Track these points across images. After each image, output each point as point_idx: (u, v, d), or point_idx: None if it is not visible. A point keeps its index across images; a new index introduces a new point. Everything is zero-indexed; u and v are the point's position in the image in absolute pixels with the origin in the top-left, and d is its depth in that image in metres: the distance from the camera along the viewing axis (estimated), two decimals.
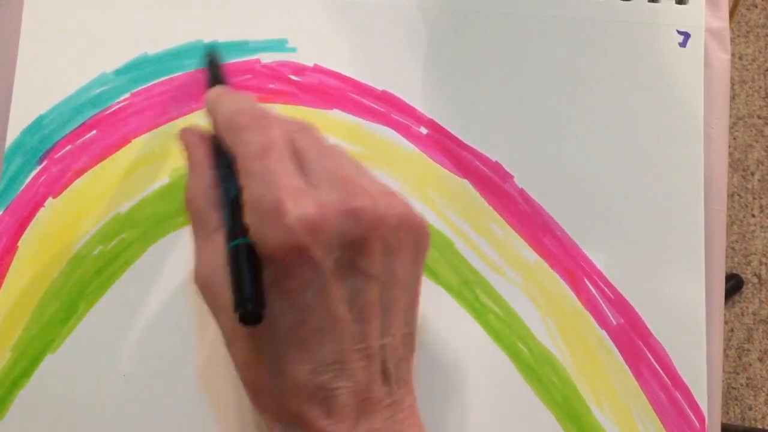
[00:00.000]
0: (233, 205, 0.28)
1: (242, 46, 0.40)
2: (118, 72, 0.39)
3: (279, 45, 0.40)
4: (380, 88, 0.40)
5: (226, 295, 0.27)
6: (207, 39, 0.40)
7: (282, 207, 0.26)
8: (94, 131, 0.38)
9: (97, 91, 0.39)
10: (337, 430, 0.27)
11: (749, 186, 1.26)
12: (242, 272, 0.26)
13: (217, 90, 0.33)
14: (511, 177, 0.39)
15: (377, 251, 0.27)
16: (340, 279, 0.27)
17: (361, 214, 0.27)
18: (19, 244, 0.37)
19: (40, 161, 0.38)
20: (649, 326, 0.38)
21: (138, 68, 0.39)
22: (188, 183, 0.30)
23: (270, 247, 0.26)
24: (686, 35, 0.41)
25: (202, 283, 0.28)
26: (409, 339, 0.30)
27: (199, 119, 0.39)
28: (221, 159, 0.30)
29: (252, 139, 0.28)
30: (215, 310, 0.28)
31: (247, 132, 0.28)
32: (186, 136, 0.32)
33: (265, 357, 0.27)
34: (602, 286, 0.38)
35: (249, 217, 0.27)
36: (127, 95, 0.39)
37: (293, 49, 0.40)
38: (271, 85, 0.39)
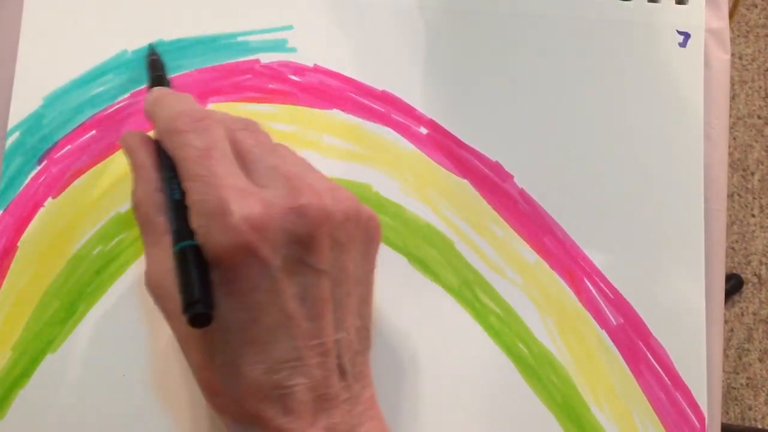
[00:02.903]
0: (178, 208, 0.28)
1: (242, 46, 0.40)
2: (118, 71, 0.39)
3: (279, 45, 0.40)
4: (380, 88, 0.40)
5: (177, 298, 0.27)
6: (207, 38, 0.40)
7: (226, 207, 0.26)
8: (94, 131, 0.38)
9: (97, 90, 0.39)
10: (296, 427, 0.26)
11: (749, 186, 1.26)
12: (189, 274, 0.26)
13: (156, 92, 0.32)
14: (511, 177, 0.39)
15: (325, 247, 0.27)
16: (290, 276, 0.27)
17: (307, 211, 0.27)
18: (18, 244, 0.37)
19: (39, 161, 0.38)
20: (649, 326, 0.38)
21: (137, 68, 0.39)
22: (134, 188, 0.30)
23: (217, 248, 0.26)
24: (686, 35, 0.41)
25: (153, 286, 0.28)
26: (364, 333, 0.30)
27: None
28: (165, 161, 0.30)
29: (192, 142, 0.28)
30: (167, 313, 0.28)
31: (186, 135, 0.28)
32: (128, 139, 0.32)
33: (219, 358, 0.27)
34: (602, 286, 0.38)
35: (194, 220, 0.27)
36: (126, 95, 0.39)
37: (293, 49, 0.40)
38: (271, 85, 0.39)
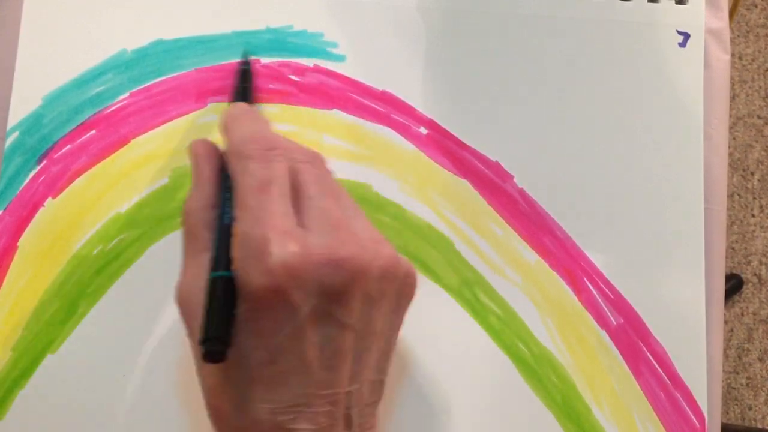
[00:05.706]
0: (225, 234, 0.28)
1: (242, 46, 0.40)
2: (118, 71, 0.39)
3: (279, 45, 0.40)
4: (380, 88, 0.40)
5: (201, 320, 0.27)
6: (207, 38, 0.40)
7: (267, 247, 0.26)
8: (94, 131, 0.38)
9: (97, 90, 0.39)
10: None
11: (749, 186, 1.26)
12: (214, 308, 0.26)
13: (236, 109, 0.33)
14: (511, 177, 0.39)
15: (356, 302, 0.27)
16: (315, 325, 0.27)
17: (345, 265, 0.26)
18: (18, 244, 0.37)
19: (39, 161, 0.38)
20: (649, 326, 0.38)
21: (137, 67, 0.39)
22: (188, 196, 0.30)
23: (249, 285, 0.26)
24: (686, 35, 0.41)
25: (181, 301, 0.28)
26: (377, 386, 0.29)
27: (197, 119, 0.39)
28: (226, 181, 0.30)
29: (254, 171, 0.28)
30: (190, 329, 0.28)
31: (251, 162, 0.28)
32: (196, 148, 0.32)
33: (230, 388, 0.27)
34: (602, 286, 0.38)
35: (236, 251, 0.27)
36: (126, 95, 0.39)
37: (294, 50, 0.40)
38: (271, 85, 0.39)
